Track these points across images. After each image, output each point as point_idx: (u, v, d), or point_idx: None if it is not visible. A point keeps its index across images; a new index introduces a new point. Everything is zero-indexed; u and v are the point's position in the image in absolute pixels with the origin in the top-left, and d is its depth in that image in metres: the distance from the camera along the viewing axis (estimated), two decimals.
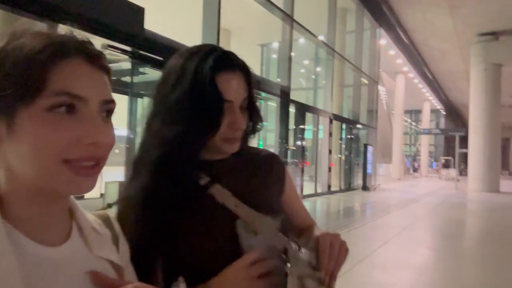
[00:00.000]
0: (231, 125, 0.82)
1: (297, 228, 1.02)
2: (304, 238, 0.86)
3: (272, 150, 1.43)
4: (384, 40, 16.50)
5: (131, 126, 6.19)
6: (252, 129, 0.90)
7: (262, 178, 0.91)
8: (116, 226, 0.65)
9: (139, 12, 4.77)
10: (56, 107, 0.46)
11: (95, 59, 0.50)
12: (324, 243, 0.80)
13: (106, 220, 0.63)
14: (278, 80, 9.48)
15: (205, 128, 0.80)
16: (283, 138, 9.31)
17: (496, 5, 13.47)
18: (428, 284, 4.35)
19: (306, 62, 16.11)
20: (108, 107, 0.50)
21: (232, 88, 0.81)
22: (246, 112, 0.85)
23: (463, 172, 26.27)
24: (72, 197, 0.56)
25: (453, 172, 23.15)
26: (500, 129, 16.86)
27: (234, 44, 11.90)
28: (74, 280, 0.50)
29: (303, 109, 10.96)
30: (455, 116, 35.20)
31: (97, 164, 0.49)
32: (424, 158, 32.87)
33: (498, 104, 16.46)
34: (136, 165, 0.83)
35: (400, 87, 23.54)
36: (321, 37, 11.82)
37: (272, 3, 8.65)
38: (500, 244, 6.44)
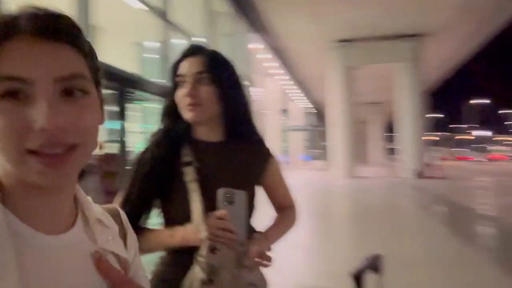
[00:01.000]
0: (184, 93, 1.04)
1: (279, 205, 1.26)
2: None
3: None
4: (257, 44, 17.55)
5: None
6: (226, 106, 1.08)
7: (243, 164, 1.09)
8: (125, 220, 0.62)
9: None
10: (5, 95, 0.42)
11: (46, 31, 0.43)
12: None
13: (114, 214, 0.60)
14: (155, 80, 9.33)
15: (168, 99, 1.08)
16: None
17: (350, 16, 15.56)
18: (310, 259, 4.94)
19: None
20: (68, 84, 0.44)
21: (184, 66, 1.06)
22: (206, 84, 1.05)
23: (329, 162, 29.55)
24: (78, 187, 0.53)
25: (321, 163, 25.88)
26: (355, 123, 19.62)
27: (106, 43, 11.24)
28: (76, 267, 0.48)
29: None
30: (321, 113, 39.33)
31: (66, 152, 0.43)
32: (295, 152, 35.90)
33: (352, 101, 19.13)
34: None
35: (273, 88, 25.31)
36: (197, 39, 12.00)
37: (146, 3, 8.48)
38: (364, 220, 7.56)
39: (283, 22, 16.22)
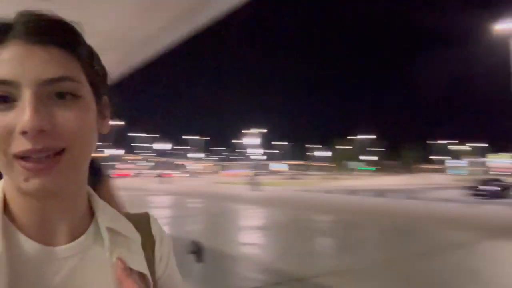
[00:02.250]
0: None
1: None
2: None
3: None
4: None
5: None
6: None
7: None
8: (155, 228, 0.57)
9: None
10: None
11: (37, 35, 0.42)
12: None
13: (142, 221, 0.56)
14: None
15: None
16: None
17: None
18: None
19: None
20: (57, 87, 0.42)
21: None
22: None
23: None
24: (93, 194, 0.52)
25: None
26: None
27: None
28: (75, 278, 0.45)
29: None
30: None
31: (52, 157, 0.41)
32: None
33: None
34: None
35: None
36: None
37: None
38: None
39: None
